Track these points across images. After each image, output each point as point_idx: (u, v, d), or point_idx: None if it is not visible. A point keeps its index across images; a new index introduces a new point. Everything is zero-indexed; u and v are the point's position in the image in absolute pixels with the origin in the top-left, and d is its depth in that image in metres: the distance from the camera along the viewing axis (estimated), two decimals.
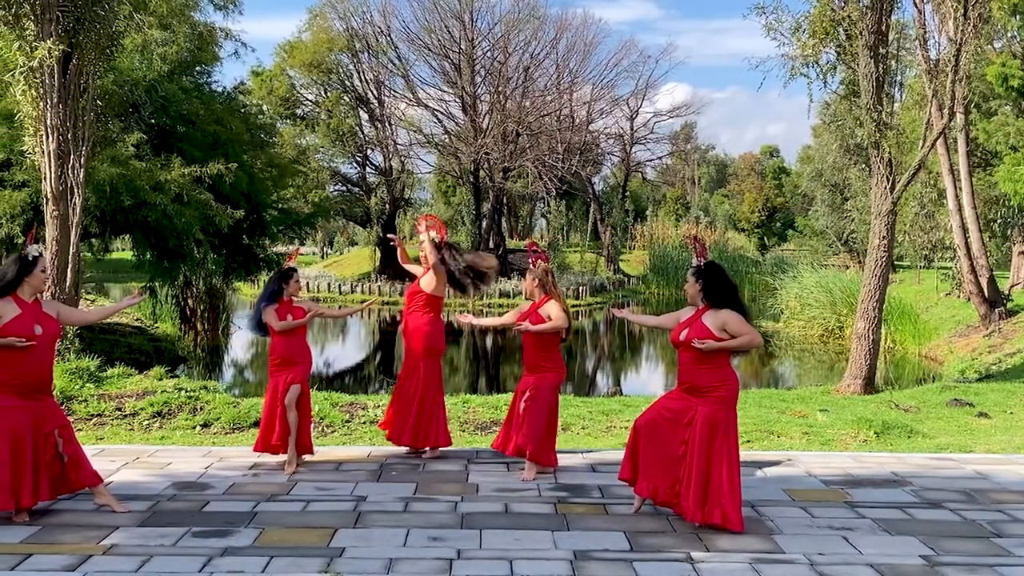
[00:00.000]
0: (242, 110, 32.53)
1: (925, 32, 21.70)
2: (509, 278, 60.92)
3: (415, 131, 69.68)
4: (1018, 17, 30.36)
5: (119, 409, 15.31)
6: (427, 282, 12.69)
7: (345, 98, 67.43)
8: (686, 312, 9.85)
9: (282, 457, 11.96)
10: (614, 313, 11.73)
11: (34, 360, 9.41)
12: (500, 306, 53.86)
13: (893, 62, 21.31)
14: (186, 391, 16.18)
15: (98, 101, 18.80)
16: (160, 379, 17.33)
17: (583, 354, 38.61)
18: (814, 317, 39.92)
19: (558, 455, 11.99)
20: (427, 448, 12.69)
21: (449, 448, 12.99)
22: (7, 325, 9.24)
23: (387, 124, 68.98)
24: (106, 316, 12.58)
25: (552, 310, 11.51)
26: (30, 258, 9.55)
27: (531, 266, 11.76)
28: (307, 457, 12.21)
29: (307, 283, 62.52)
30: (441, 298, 12.81)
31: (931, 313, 37.38)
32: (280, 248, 36.93)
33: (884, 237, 19.85)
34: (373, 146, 70.09)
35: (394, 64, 68.93)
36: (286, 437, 11.81)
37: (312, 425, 12.73)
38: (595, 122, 77.22)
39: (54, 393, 10.38)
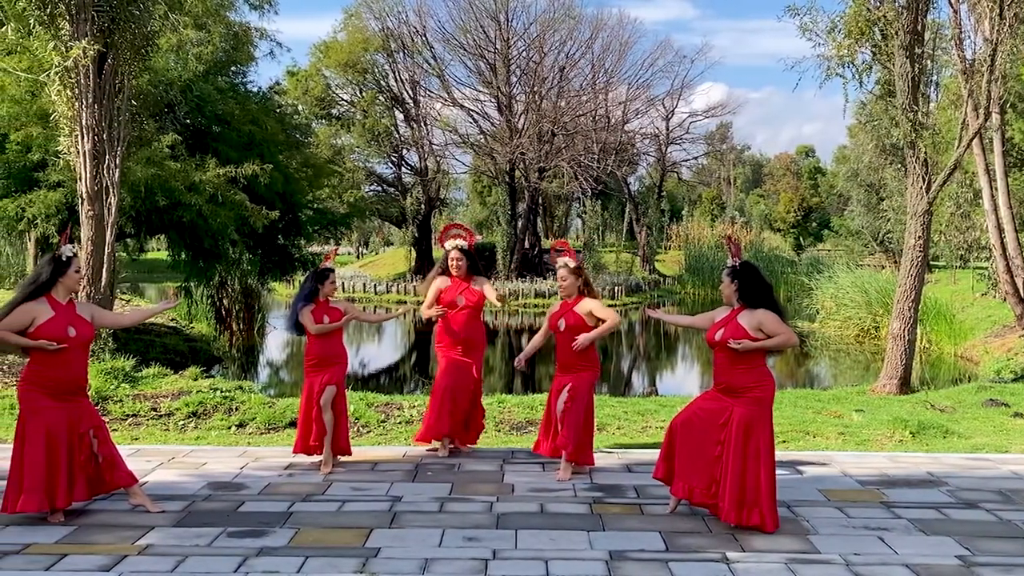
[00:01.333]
0: (277, 110, 32.60)
1: (961, 32, 21.58)
2: (544, 278, 60.88)
3: (450, 131, 69.79)
4: None
5: (154, 409, 15.31)
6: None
7: (380, 98, 67.63)
8: (721, 312, 9.76)
9: (318, 457, 11.92)
10: (648, 313, 11.62)
11: (68, 362, 9.36)
12: (535, 306, 53.83)
13: (929, 62, 21.13)
14: (221, 391, 16.17)
15: (133, 101, 18.83)
16: (195, 379, 17.34)
17: (619, 354, 38.49)
18: (850, 317, 39.68)
19: (594, 455, 11.94)
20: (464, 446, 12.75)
21: (486, 447, 13.04)
22: (40, 327, 9.20)
23: (422, 124, 69.16)
24: (141, 320, 12.53)
25: (595, 307, 11.42)
26: (64, 258, 9.47)
27: (568, 262, 11.63)
28: (342, 457, 12.17)
29: (342, 283, 62.52)
30: None
31: (967, 313, 37.10)
32: (316, 248, 36.97)
33: (920, 237, 19.71)
34: (408, 146, 70.33)
35: (429, 64, 69.13)
36: (323, 438, 11.77)
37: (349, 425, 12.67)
38: (631, 122, 77.10)
39: (89, 394, 10.32)
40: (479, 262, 12.93)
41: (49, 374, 9.28)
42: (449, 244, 12.66)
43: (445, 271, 12.74)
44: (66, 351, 9.27)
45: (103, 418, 10.30)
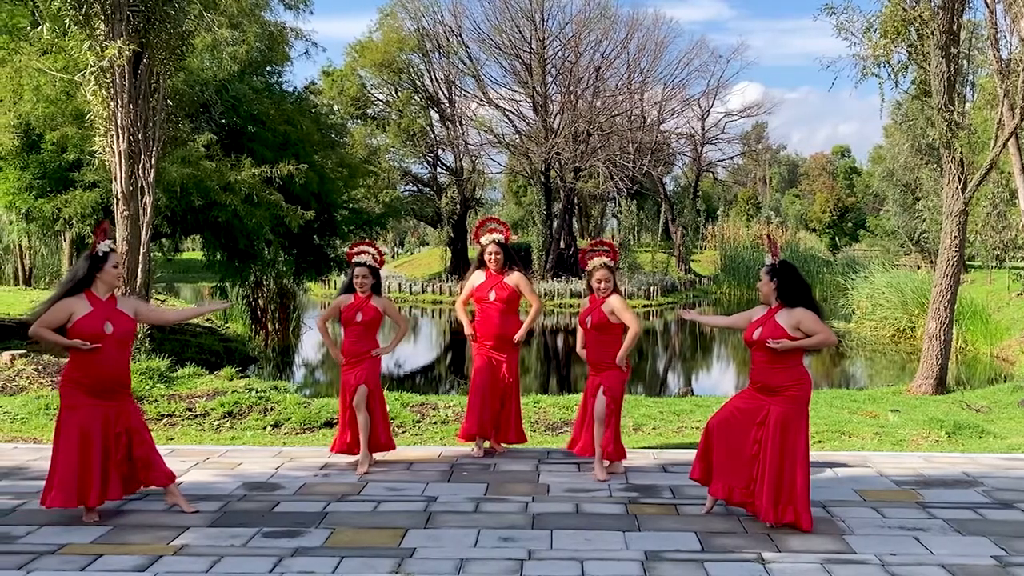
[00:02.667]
0: (313, 110, 32.64)
1: (996, 32, 21.39)
2: (580, 278, 60.76)
3: (486, 131, 69.78)
4: None
5: (190, 409, 15.34)
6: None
7: (416, 98, 67.68)
8: (758, 311, 9.70)
9: (354, 457, 11.91)
10: (683, 315, 11.53)
11: (105, 359, 9.32)
12: (571, 306, 53.78)
13: (965, 62, 21.02)
14: (257, 391, 16.20)
15: (168, 101, 18.89)
16: (231, 379, 17.38)
17: (654, 354, 38.46)
18: (885, 317, 39.56)
19: (628, 455, 11.91)
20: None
21: (521, 447, 13.02)
22: (77, 323, 9.18)
23: (458, 124, 69.15)
24: (186, 319, 12.62)
25: (617, 307, 11.36)
26: (100, 254, 9.46)
27: (607, 261, 11.56)
28: (378, 457, 12.17)
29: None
30: None
31: (1003, 313, 36.90)
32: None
33: (955, 237, 19.61)
34: (444, 146, 70.32)
35: (465, 64, 69.10)
36: (358, 438, 11.75)
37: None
38: (666, 122, 77.01)
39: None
40: (515, 256, 12.88)
41: (88, 371, 9.26)
42: (485, 238, 12.65)
43: (481, 265, 12.72)
44: (103, 348, 9.26)
45: (143, 418, 10.20)
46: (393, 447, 12.19)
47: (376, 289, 12.08)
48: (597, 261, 11.54)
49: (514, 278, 12.51)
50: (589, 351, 11.57)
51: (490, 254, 12.58)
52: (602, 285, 11.45)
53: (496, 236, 12.62)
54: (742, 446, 9.41)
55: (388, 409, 13.81)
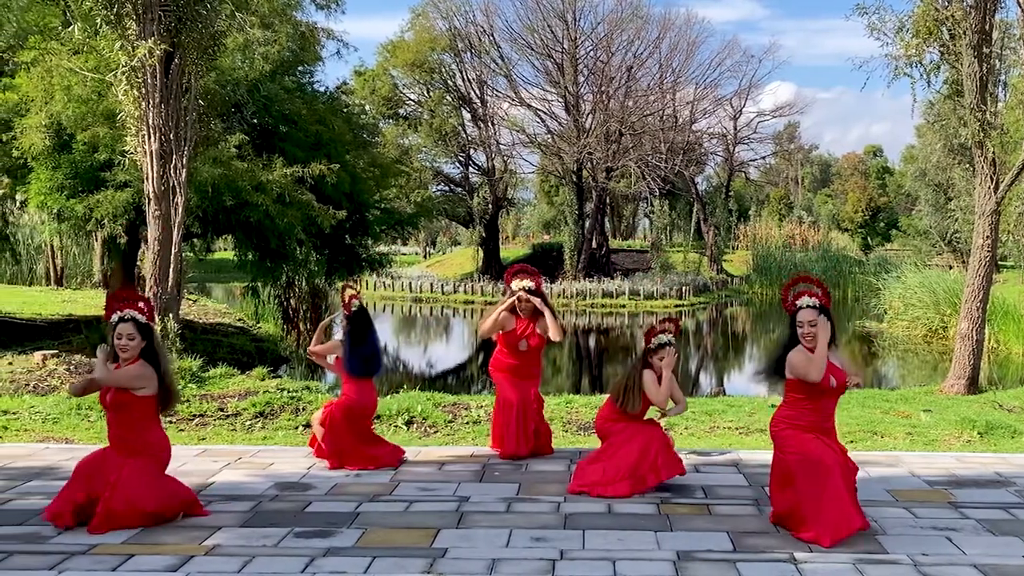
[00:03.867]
0: (344, 110, 32.61)
1: None
2: (612, 278, 60.79)
3: (518, 131, 69.95)
4: None
5: (221, 409, 15.33)
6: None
7: (447, 98, 67.82)
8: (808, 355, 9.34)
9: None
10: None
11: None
12: (602, 306, 53.76)
13: (997, 62, 20.95)
14: (288, 391, 16.19)
15: (200, 101, 18.89)
16: (262, 379, 17.36)
17: (686, 354, 38.39)
18: (917, 317, 39.48)
19: None
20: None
21: (553, 447, 13.02)
22: None
23: (490, 124, 69.28)
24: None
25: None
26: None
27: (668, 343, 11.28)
28: (409, 457, 12.23)
29: (409, 283, 62.73)
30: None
31: None
32: (383, 248, 37.02)
33: (988, 237, 19.50)
34: (476, 146, 70.45)
35: (496, 64, 69.25)
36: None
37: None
38: (698, 122, 77.21)
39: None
40: (547, 298, 12.80)
41: None
42: (516, 285, 12.56)
43: (512, 310, 12.62)
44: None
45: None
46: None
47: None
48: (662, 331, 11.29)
49: (543, 326, 12.43)
50: None
51: (522, 300, 12.48)
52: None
53: (527, 283, 12.52)
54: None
55: (420, 409, 13.86)
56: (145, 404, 9.37)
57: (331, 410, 11.95)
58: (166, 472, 9.64)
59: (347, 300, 12.27)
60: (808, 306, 9.19)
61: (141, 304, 9.61)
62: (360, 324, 12.19)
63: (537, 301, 12.44)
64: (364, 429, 12.11)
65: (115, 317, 9.49)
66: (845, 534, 8.78)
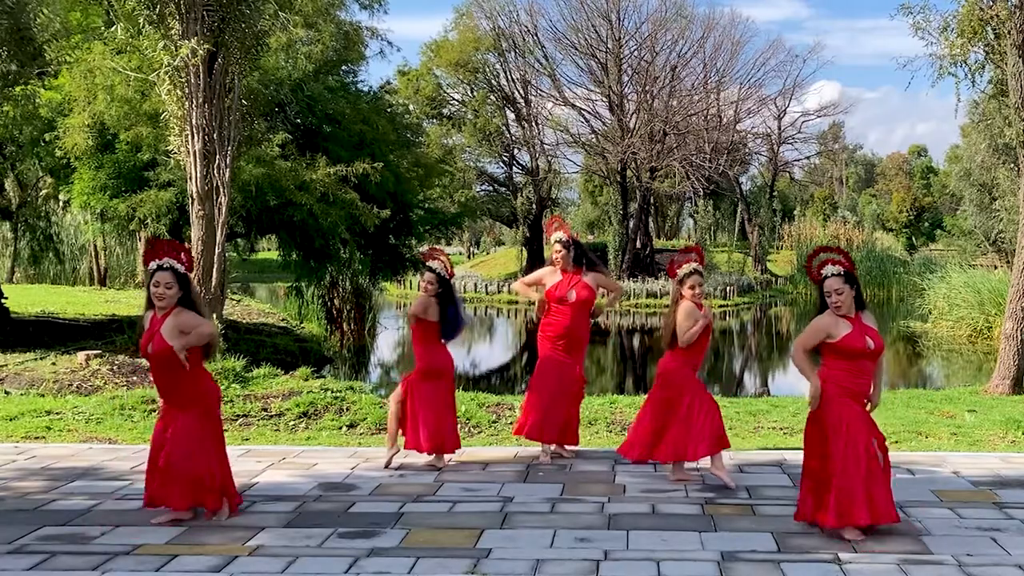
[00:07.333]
0: (388, 109, 32.71)
1: None
2: (656, 278, 60.66)
3: (562, 131, 69.86)
4: None
5: (265, 410, 15.33)
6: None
7: (491, 97, 67.80)
8: (834, 324, 9.29)
9: (429, 457, 11.93)
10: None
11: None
12: (647, 306, 53.67)
13: None
14: (332, 392, 16.15)
15: (243, 100, 18.93)
16: (306, 379, 17.34)
17: (730, 354, 38.32)
18: (962, 317, 39.25)
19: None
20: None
21: (596, 448, 13.02)
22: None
23: (534, 124, 69.21)
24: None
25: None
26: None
27: (694, 271, 11.28)
28: (453, 457, 12.21)
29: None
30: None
31: None
32: (427, 248, 37.10)
33: None
34: (519, 146, 70.36)
35: (540, 63, 69.13)
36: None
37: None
38: (742, 121, 76.74)
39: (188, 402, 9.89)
40: (586, 254, 12.67)
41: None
42: (553, 237, 12.49)
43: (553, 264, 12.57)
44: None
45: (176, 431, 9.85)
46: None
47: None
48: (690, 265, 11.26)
49: (593, 278, 12.31)
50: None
51: (555, 252, 12.38)
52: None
53: (559, 234, 12.39)
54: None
55: (464, 410, 13.83)
56: (191, 354, 9.29)
57: (410, 380, 11.90)
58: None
59: (446, 262, 12.17)
60: (833, 274, 9.23)
61: (182, 254, 9.50)
62: (448, 286, 12.08)
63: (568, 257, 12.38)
64: (447, 393, 12.09)
65: (153, 265, 9.37)
66: (848, 523, 8.84)
